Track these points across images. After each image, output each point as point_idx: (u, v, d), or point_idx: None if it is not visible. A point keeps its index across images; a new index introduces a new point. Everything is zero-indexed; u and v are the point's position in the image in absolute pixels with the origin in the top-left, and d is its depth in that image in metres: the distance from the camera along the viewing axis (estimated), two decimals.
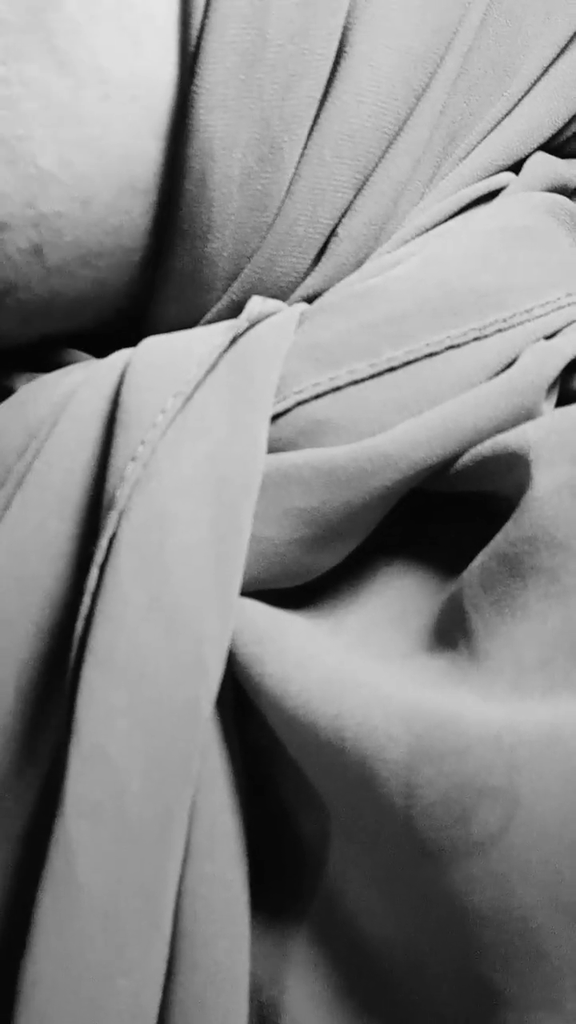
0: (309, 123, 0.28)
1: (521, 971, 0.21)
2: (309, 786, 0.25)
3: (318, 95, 0.28)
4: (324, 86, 0.28)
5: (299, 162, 0.28)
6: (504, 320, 0.28)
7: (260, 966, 0.25)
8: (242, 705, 0.26)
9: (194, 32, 0.27)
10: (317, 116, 0.28)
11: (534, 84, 0.32)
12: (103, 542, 0.25)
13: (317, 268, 0.30)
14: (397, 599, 0.28)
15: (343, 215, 0.29)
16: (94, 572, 0.25)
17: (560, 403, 0.30)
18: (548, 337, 0.29)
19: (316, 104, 0.28)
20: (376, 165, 0.29)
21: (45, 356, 0.31)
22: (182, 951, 0.24)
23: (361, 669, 0.25)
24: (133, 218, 0.29)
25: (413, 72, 0.29)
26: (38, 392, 0.29)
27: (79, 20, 0.27)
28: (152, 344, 0.28)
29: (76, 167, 0.27)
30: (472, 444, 0.27)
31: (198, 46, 0.27)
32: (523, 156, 0.32)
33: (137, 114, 0.27)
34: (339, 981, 0.25)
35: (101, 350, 0.30)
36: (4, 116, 0.27)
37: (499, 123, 0.32)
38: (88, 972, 0.23)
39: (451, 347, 0.28)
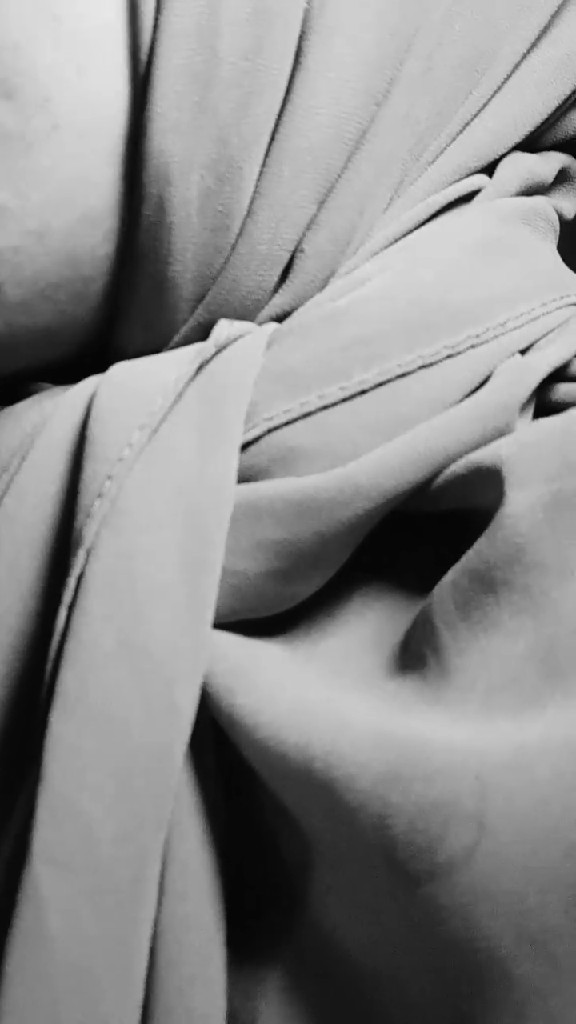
0: (267, 140, 0.27)
1: (490, 999, 0.21)
2: (288, 811, 0.25)
3: (276, 111, 0.27)
4: (281, 100, 0.27)
5: (258, 179, 0.28)
6: (478, 335, 0.28)
7: (236, 995, 0.25)
8: (220, 733, 0.26)
9: (143, 53, 0.26)
10: (275, 131, 0.28)
11: (506, 80, 0.31)
12: (71, 581, 0.25)
13: (284, 286, 0.29)
14: (373, 619, 0.28)
15: (307, 230, 0.29)
16: (62, 613, 0.25)
17: (539, 414, 0.29)
18: (524, 351, 0.29)
19: (274, 120, 0.27)
20: (338, 177, 0.28)
21: (12, 389, 0.30)
22: (157, 995, 0.24)
23: (332, 696, 0.25)
24: (91, 247, 0.28)
25: (372, 79, 0.28)
26: (7, 423, 0.28)
27: (19, 42, 0.26)
28: (119, 372, 0.28)
29: (30, 199, 0.27)
30: (443, 467, 0.27)
31: (148, 68, 0.26)
32: (497, 156, 0.31)
33: (88, 142, 0.27)
34: (315, 1010, 0.25)
35: (70, 379, 0.29)
36: None
37: (468, 123, 0.31)
38: None
39: (423, 366, 0.27)
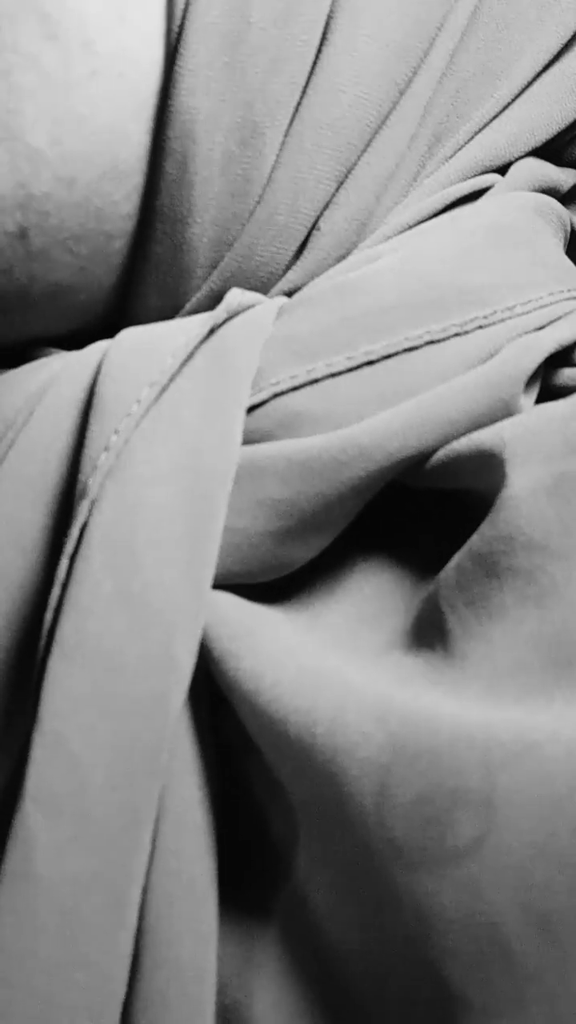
0: (291, 109, 0.28)
1: (487, 977, 0.21)
2: (280, 783, 0.25)
3: (301, 81, 0.28)
4: (307, 73, 0.28)
5: (280, 149, 0.28)
6: (485, 317, 0.28)
7: (226, 967, 0.25)
8: (217, 700, 0.26)
9: (179, 11, 0.27)
10: (299, 103, 0.28)
11: (526, 88, 0.32)
12: (74, 531, 0.25)
13: (298, 263, 0.29)
14: (374, 596, 0.28)
15: (324, 208, 0.29)
16: (64, 562, 0.25)
17: (543, 399, 0.30)
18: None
19: (299, 90, 0.28)
20: (358, 158, 0.29)
21: (22, 357, 0.30)
22: (146, 948, 0.24)
23: (336, 665, 0.25)
24: (115, 201, 0.28)
25: (395, 64, 0.29)
26: (14, 382, 0.28)
27: None
28: (129, 335, 0.28)
29: (64, 145, 0.27)
30: (448, 437, 0.27)
31: (182, 26, 0.27)
32: (512, 159, 0.32)
33: (123, 92, 0.27)
34: (304, 986, 0.24)
35: (77, 344, 0.29)
36: None
37: (487, 124, 0.31)
38: (43, 966, 0.22)
39: (430, 342, 0.27)
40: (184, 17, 0.27)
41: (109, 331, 0.30)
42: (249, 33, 0.27)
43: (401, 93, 0.29)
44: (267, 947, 0.25)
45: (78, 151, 0.27)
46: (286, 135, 0.28)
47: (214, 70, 0.27)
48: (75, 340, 0.31)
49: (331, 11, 0.28)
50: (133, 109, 0.28)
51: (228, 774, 0.27)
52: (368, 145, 0.29)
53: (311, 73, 0.28)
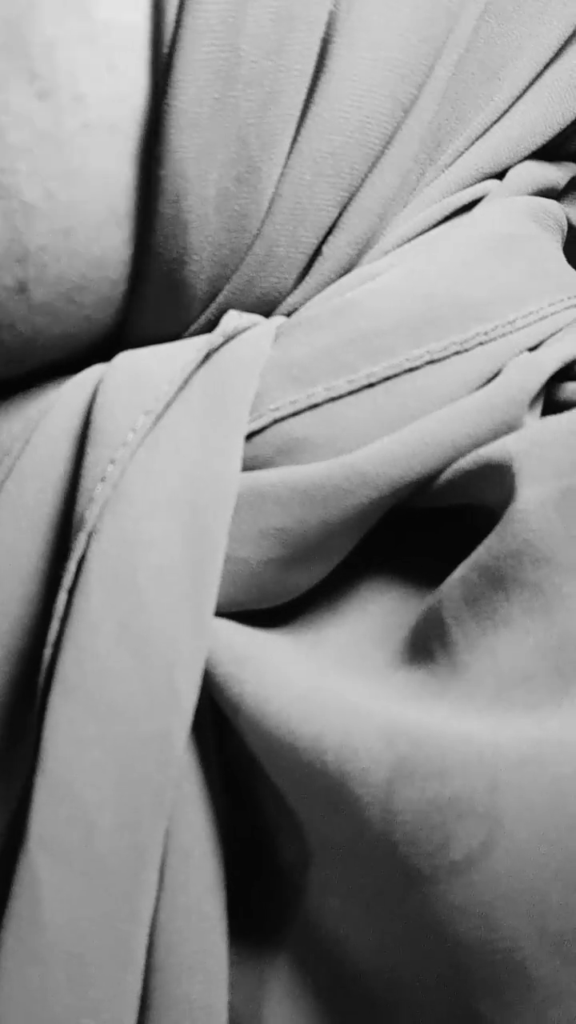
0: (288, 141, 0.27)
1: (508, 1001, 0.21)
2: (289, 808, 0.25)
3: (296, 113, 0.27)
4: (303, 103, 0.27)
5: (279, 181, 0.28)
6: (486, 333, 0.28)
7: (239, 995, 0.25)
8: (222, 725, 0.26)
9: (165, 49, 0.26)
10: (297, 134, 0.27)
11: (527, 89, 0.31)
12: (72, 565, 0.25)
13: (299, 288, 0.29)
14: (379, 613, 0.28)
15: (327, 234, 0.28)
16: (62, 596, 0.24)
17: (546, 413, 0.29)
18: (533, 348, 0.29)
19: (295, 122, 0.27)
20: (362, 182, 0.28)
21: (19, 381, 0.30)
22: (156, 986, 0.24)
23: (342, 687, 0.25)
24: (115, 246, 0.28)
25: (399, 85, 0.28)
26: (10, 410, 0.28)
27: (54, 40, 0.26)
28: (125, 360, 0.27)
29: (59, 198, 0.27)
30: (451, 460, 0.26)
31: (169, 64, 0.26)
32: (513, 163, 0.31)
33: (115, 139, 0.27)
34: (320, 1012, 0.24)
35: (76, 370, 0.29)
36: None
37: (488, 129, 0.31)
38: (52, 1013, 0.22)
39: (431, 362, 0.27)
40: (172, 53, 0.26)
41: (106, 350, 0.30)
42: (240, 67, 0.26)
43: (406, 112, 0.28)
44: (279, 972, 0.25)
45: (73, 202, 0.27)
46: (285, 167, 0.27)
47: (205, 106, 0.26)
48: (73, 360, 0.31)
49: (327, 36, 0.27)
50: (125, 152, 0.27)
51: (237, 798, 0.27)
52: (373, 167, 0.28)
53: (309, 102, 0.27)
